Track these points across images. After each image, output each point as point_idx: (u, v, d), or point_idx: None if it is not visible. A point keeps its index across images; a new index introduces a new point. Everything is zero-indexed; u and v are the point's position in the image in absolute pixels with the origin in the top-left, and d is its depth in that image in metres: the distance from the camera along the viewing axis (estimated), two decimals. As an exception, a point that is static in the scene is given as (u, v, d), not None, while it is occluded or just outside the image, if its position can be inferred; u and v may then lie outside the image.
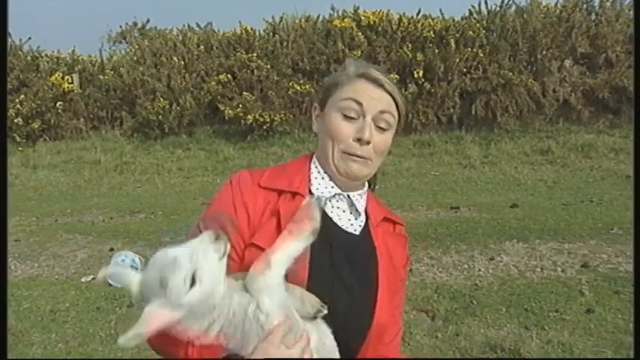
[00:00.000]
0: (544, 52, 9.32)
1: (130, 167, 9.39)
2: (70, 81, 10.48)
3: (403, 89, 9.38)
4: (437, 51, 9.39)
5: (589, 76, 9.36)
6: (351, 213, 1.30)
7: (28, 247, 5.49)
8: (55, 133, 10.40)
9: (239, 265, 1.17)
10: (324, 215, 1.20)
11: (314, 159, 1.31)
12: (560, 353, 3.13)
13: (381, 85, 1.26)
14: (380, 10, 10.10)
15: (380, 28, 9.90)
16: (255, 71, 9.89)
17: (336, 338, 1.16)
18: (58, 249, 5.37)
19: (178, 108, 9.90)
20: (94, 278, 4.61)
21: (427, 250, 4.96)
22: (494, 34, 9.53)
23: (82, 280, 4.60)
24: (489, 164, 8.54)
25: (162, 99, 9.92)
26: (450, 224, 5.73)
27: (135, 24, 15.54)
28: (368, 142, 1.23)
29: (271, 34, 10.55)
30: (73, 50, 11.59)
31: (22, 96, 10.28)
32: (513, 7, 9.87)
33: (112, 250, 5.19)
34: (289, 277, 1.11)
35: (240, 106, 9.60)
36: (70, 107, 10.43)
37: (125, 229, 5.92)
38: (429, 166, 8.71)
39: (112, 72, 10.63)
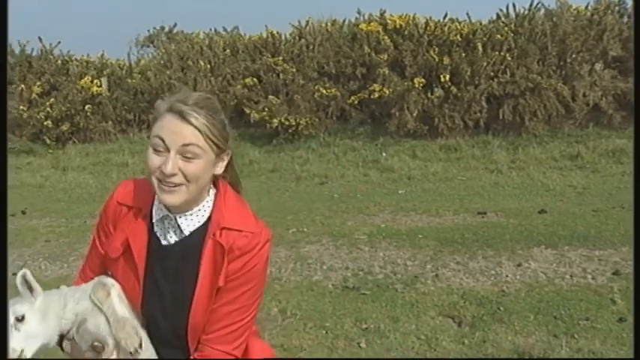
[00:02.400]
0: (574, 56, 9.17)
1: (156, 170, 9.48)
2: (98, 84, 10.63)
3: (429, 93, 9.32)
4: (464, 55, 9.31)
5: (621, 80, 9.16)
6: (173, 231, 1.50)
7: (58, 247, 5.58)
8: (84, 135, 10.56)
9: (102, 259, 1.59)
10: (152, 233, 1.49)
11: None
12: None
13: (184, 119, 1.36)
14: (406, 14, 10.04)
15: (406, 32, 9.85)
16: (281, 75, 9.92)
17: (159, 329, 1.51)
18: (86, 250, 5.43)
19: (205, 111, 9.96)
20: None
21: (453, 256, 4.91)
22: (523, 37, 9.40)
23: (110, 280, 4.65)
24: (517, 169, 8.42)
25: (188, 102, 10.00)
26: (477, 229, 5.66)
27: (162, 28, 15.68)
28: (171, 175, 1.37)
29: (297, 37, 10.57)
30: (102, 54, 11.76)
31: (52, 99, 10.46)
32: (542, 10, 9.73)
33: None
34: (131, 285, 1.49)
35: (266, 109, 9.64)
36: (99, 110, 10.58)
37: (152, 231, 5.97)
38: (455, 170, 8.62)
39: (140, 75, 10.77)
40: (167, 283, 1.50)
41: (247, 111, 9.81)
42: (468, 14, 9.82)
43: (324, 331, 3.59)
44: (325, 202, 7.18)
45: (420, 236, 5.49)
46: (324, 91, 9.68)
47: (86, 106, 10.36)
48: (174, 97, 1.43)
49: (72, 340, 1.49)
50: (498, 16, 9.86)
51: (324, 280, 4.46)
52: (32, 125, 10.42)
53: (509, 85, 9.11)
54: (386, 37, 9.74)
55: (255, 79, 10.06)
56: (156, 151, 1.39)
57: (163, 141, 1.38)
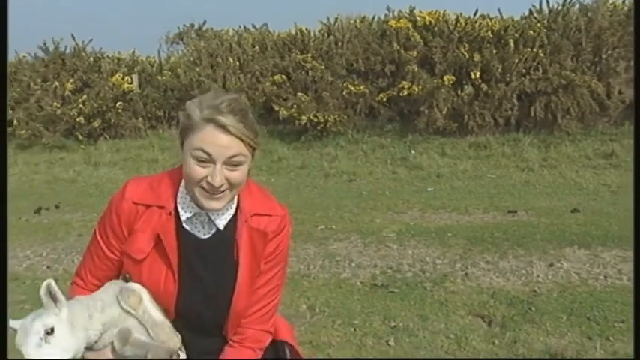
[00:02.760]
0: (609, 52, 8.96)
1: (186, 166, 9.58)
2: (129, 81, 10.77)
3: (459, 90, 9.22)
4: (495, 51, 9.17)
5: (658, 77, 8.94)
6: (208, 226, 1.53)
7: (90, 241, 5.66)
8: (114, 131, 10.72)
9: (118, 264, 1.56)
10: (182, 229, 1.50)
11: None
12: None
13: (227, 131, 1.38)
14: (436, 11, 9.93)
15: (436, 29, 9.75)
16: (310, 72, 9.91)
17: (200, 319, 1.55)
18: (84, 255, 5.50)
19: (234, 108, 10.02)
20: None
21: (483, 255, 4.85)
22: (556, 33, 9.21)
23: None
24: (548, 167, 8.28)
25: (218, 99, 10.07)
26: (507, 228, 5.58)
27: (192, 25, 15.84)
28: (220, 186, 1.41)
29: (326, 34, 10.55)
30: (133, 51, 11.94)
31: (85, 96, 10.64)
32: (577, 6, 9.53)
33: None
34: (164, 282, 1.49)
35: (295, 106, 9.65)
36: (130, 107, 10.72)
37: (181, 226, 6.02)
38: (485, 168, 8.51)
39: (170, 72, 10.86)
40: (208, 274, 1.53)
41: (276, 108, 9.83)
42: (499, 10, 9.70)
43: (352, 329, 3.57)
44: (354, 200, 7.16)
45: (450, 234, 5.44)
46: (353, 88, 9.64)
47: (117, 103, 10.51)
48: (207, 101, 1.42)
49: (98, 350, 1.49)
50: (531, 12, 9.69)
51: (353, 278, 4.44)
52: (65, 121, 10.62)
53: (542, 82, 8.95)
54: (415, 34, 9.65)
55: (283, 76, 10.07)
56: (199, 162, 1.40)
57: (208, 154, 1.39)
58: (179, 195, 1.51)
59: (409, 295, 4.08)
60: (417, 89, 9.26)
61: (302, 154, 9.45)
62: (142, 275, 1.52)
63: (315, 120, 9.51)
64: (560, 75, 8.88)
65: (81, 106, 10.49)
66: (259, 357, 1.63)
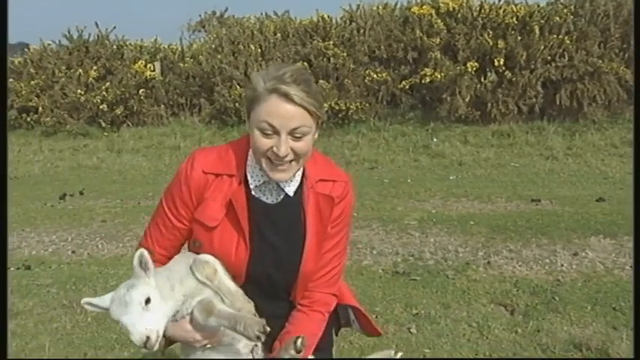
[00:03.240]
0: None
1: (207, 153, 9.62)
2: (152, 69, 10.83)
3: (482, 78, 9.10)
4: (519, 38, 9.03)
5: (688, 64, 8.74)
6: (276, 193, 1.56)
7: (114, 227, 5.73)
8: (137, 119, 10.80)
9: (187, 233, 1.59)
10: (252, 196, 1.53)
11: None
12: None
13: (291, 100, 1.39)
14: (460, -4, 9.82)
15: (459, 15, 9.62)
16: (332, 59, 9.86)
17: (270, 283, 1.59)
18: (140, 230, 5.51)
19: (255, 95, 10.02)
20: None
21: (506, 243, 4.80)
22: (583, 19, 9.04)
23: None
24: (573, 156, 8.16)
25: (239, 86, 10.09)
26: (531, 217, 5.51)
27: (214, 13, 15.86)
28: (285, 156, 1.43)
29: (348, 21, 10.48)
30: (156, 39, 11.95)
31: (108, 83, 10.73)
32: (605, -10, 9.34)
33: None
34: (235, 248, 1.52)
35: (316, 93, 9.61)
36: (152, 94, 10.79)
37: (203, 213, 6.05)
38: (508, 157, 8.42)
39: (192, 60, 10.89)
40: (278, 238, 1.57)
41: (297, 95, 9.80)
42: (524, -4, 9.53)
43: (374, 316, 3.56)
44: (375, 187, 7.13)
45: (472, 223, 5.39)
46: (375, 76, 9.58)
47: (140, 90, 10.58)
48: (271, 73, 1.43)
49: (175, 322, 1.49)
50: (557, -2, 9.52)
51: (374, 265, 4.43)
52: (89, 109, 10.72)
53: (567, 69, 8.80)
54: (439, 21, 9.54)
55: (305, 64, 10.03)
56: (264, 134, 1.42)
57: (272, 126, 1.41)
58: (248, 163, 1.54)
59: (431, 283, 4.06)
60: (439, 76, 9.17)
61: (323, 141, 9.43)
62: (213, 242, 1.54)
63: (337, 107, 9.48)
64: (586, 62, 8.72)
65: (104, 93, 10.58)
66: (327, 320, 1.68)
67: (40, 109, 10.77)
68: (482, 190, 6.76)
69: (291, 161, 1.46)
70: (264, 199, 1.56)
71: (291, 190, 1.56)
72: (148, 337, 1.34)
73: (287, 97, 1.39)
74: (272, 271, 1.59)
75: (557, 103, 8.90)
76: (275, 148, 1.42)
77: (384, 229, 5.29)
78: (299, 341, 1.44)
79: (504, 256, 4.54)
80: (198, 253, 1.56)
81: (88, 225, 5.86)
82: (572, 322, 3.39)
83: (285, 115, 1.40)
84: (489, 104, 9.08)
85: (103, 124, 10.69)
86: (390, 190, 6.96)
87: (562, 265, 4.30)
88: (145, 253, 1.43)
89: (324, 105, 1.50)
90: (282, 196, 1.57)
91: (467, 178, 7.67)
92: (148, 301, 1.39)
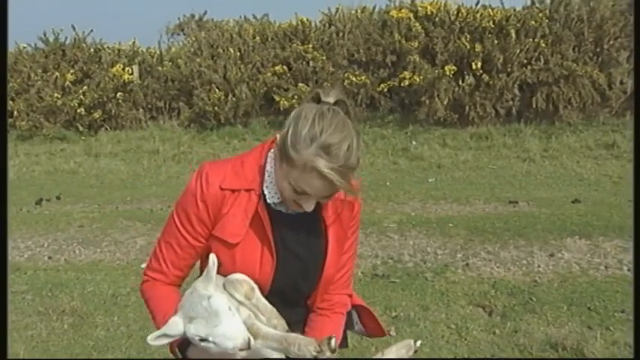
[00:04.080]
0: (611, 42, 8.92)
1: (187, 157, 9.57)
2: (130, 72, 10.74)
3: (460, 81, 9.19)
4: (496, 42, 9.13)
5: (660, 67, 8.90)
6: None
7: (91, 233, 5.67)
8: (115, 122, 10.70)
9: (202, 251, 1.54)
10: (271, 208, 1.50)
11: (269, 159, 1.50)
12: (627, 355, 2.99)
13: (330, 182, 1.36)
14: (438, 1, 9.88)
15: (437, 19, 9.70)
16: (311, 62, 9.88)
17: (293, 291, 1.57)
18: (118, 235, 5.52)
19: (234, 99, 10.01)
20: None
21: (484, 245, 4.85)
22: (558, 23, 9.17)
23: (142, 266, 4.71)
24: (550, 158, 8.27)
25: (218, 90, 10.05)
26: (509, 219, 5.57)
27: (192, 16, 15.82)
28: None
29: (327, 25, 10.50)
30: (134, 42, 11.86)
31: (85, 87, 10.62)
32: (579, -5, 9.49)
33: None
34: (260, 262, 1.49)
35: (296, 97, 9.62)
36: (130, 98, 10.70)
37: (182, 217, 6.01)
38: (486, 159, 8.50)
39: (170, 63, 10.82)
40: (301, 247, 1.56)
41: (277, 98, 9.81)
42: (501, 0, 9.64)
43: (353, 319, 3.58)
44: (354, 190, 7.14)
45: (451, 225, 5.43)
46: (354, 79, 9.62)
47: (118, 94, 10.49)
48: (321, 139, 1.33)
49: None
50: (532, 2, 9.64)
51: (354, 268, 4.44)
52: (66, 112, 10.60)
53: (543, 72, 8.92)
54: (417, 24, 9.61)
55: (284, 67, 10.04)
56: (295, 191, 1.40)
57: (306, 192, 1.40)
58: (265, 179, 1.51)
59: (410, 285, 4.09)
60: (418, 80, 9.24)
61: (303, 144, 9.44)
62: (235, 258, 1.51)
63: (316, 111, 9.47)
64: (561, 65, 8.85)
65: (81, 97, 10.47)
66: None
67: (16, 112, 10.61)
68: (461, 193, 6.82)
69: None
70: (283, 209, 1.54)
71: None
72: (249, 338, 1.32)
73: (326, 179, 1.34)
74: (299, 281, 1.59)
75: (534, 105, 9.01)
76: (302, 202, 1.43)
77: (364, 231, 5.30)
78: (332, 341, 1.39)
79: (482, 257, 4.59)
80: (224, 275, 1.50)
81: (64, 230, 5.79)
82: (548, 323, 3.44)
83: (320, 188, 1.38)
84: (467, 107, 9.17)
85: (81, 128, 10.57)
86: (369, 193, 6.99)
87: (539, 266, 4.36)
88: (215, 258, 1.40)
89: (358, 166, 1.43)
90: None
91: (445, 180, 7.73)
92: (230, 307, 1.35)
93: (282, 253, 1.52)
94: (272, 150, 1.51)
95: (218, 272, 1.45)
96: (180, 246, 1.55)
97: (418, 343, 1.75)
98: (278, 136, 1.43)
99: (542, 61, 8.97)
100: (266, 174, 1.51)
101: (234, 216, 1.49)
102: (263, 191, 1.51)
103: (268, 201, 1.51)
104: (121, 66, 10.75)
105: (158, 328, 1.39)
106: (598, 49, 9.05)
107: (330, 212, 1.56)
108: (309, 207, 1.44)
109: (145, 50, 11.63)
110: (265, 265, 1.51)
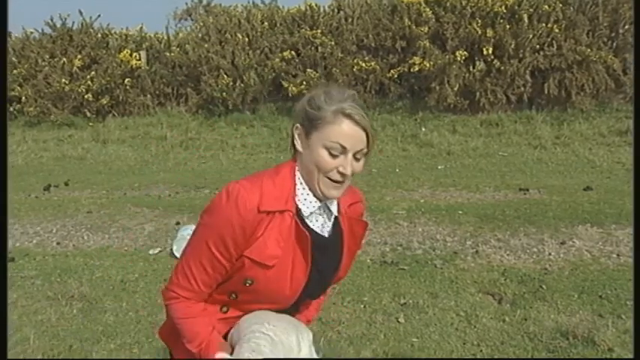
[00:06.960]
0: (627, 27, 8.78)
1: (195, 143, 9.55)
2: (137, 58, 10.70)
3: (471, 67, 9.09)
4: (508, 27, 9.01)
5: (675, 53, 8.75)
6: (326, 216, 1.63)
7: (100, 219, 5.67)
8: (123, 108, 10.69)
9: (229, 268, 1.55)
10: (306, 226, 1.56)
11: (298, 175, 1.56)
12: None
13: (359, 124, 1.48)
14: (448, -15, 9.77)
15: (448, 4, 9.58)
16: (320, 48, 9.80)
17: (306, 298, 1.67)
18: (127, 221, 5.51)
19: (242, 85, 9.96)
20: (161, 251, 4.71)
21: (494, 232, 4.80)
22: (572, 7, 9.03)
23: (150, 252, 4.71)
24: (561, 145, 8.18)
25: (226, 76, 10.00)
26: (519, 206, 5.51)
27: (200, 1, 15.74)
28: (349, 175, 1.51)
29: (336, 10, 10.41)
30: (141, 27, 11.81)
31: (93, 72, 10.59)
32: (594, -21, 9.33)
33: (177, 224, 5.29)
34: (291, 281, 1.56)
35: (304, 83, 9.56)
36: (138, 84, 10.67)
37: (190, 204, 6.02)
38: (496, 146, 8.42)
39: (178, 49, 10.78)
40: (325, 264, 1.64)
41: (285, 84, 9.75)
42: (513, -15, 9.49)
43: (362, 305, 3.56)
44: (363, 177, 7.10)
45: (460, 212, 5.39)
46: (363, 65, 9.53)
47: (125, 80, 10.46)
48: (334, 96, 1.50)
49: None
50: (546, -14, 9.49)
51: (362, 255, 4.41)
52: (73, 98, 10.59)
53: (556, 58, 8.80)
54: (427, 9, 9.50)
55: (293, 53, 9.97)
56: (331, 154, 1.49)
57: (343, 147, 1.48)
58: (298, 192, 1.56)
59: (419, 272, 4.05)
60: (428, 65, 9.14)
61: (311, 131, 9.39)
62: (269, 278, 1.55)
63: (325, 97, 9.41)
64: (575, 51, 8.73)
65: (89, 82, 10.45)
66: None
67: (24, 98, 10.62)
68: (471, 180, 6.76)
69: (345, 180, 1.53)
70: (316, 226, 1.61)
71: (334, 208, 1.64)
72: None
73: (356, 120, 1.47)
74: (317, 292, 1.71)
75: (546, 92, 8.91)
76: (341, 168, 1.49)
77: (373, 218, 5.27)
78: None
79: (492, 245, 4.54)
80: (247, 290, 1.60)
81: (73, 216, 5.79)
82: (559, 311, 3.40)
83: (355, 136, 1.48)
84: (478, 93, 9.07)
85: (88, 114, 10.57)
86: (378, 179, 6.95)
87: (550, 254, 4.31)
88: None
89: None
90: (332, 218, 1.64)
91: (455, 167, 7.67)
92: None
93: (313, 272, 1.60)
94: (298, 171, 1.57)
95: (250, 288, 1.55)
96: (213, 267, 1.56)
97: None
98: (296, 129, 1.55)
99: (555, 46, 8.84)
100: (299, 188, 1.56)
101: (269, 238, 1.52)
102: (298, 207, 1.56)
103: (305, 213, 1.56)
104: (129, 52, 10.71)
105: (198, 348, 1.55)
106: (613, 34, 8.91)
107: (346, 230, 1.66)
108: (350, 170, 1.49)
109: (152, 36, 11.57)
110: (295, 283, 1.58)
